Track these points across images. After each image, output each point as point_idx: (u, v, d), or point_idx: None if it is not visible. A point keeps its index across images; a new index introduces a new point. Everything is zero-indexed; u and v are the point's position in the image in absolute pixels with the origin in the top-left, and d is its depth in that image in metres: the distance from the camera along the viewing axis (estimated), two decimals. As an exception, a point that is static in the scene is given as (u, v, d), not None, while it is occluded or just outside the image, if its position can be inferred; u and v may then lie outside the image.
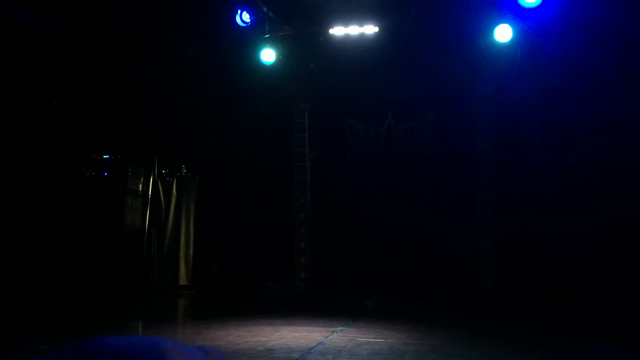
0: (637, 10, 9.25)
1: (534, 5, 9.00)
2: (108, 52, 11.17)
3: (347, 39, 10.45)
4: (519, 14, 9.40)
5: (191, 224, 12.48)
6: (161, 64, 11.38)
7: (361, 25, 10.28)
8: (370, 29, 10.29)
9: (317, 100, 11.91)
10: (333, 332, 7.11)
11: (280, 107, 11.82)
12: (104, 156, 11.87)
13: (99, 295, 10.46)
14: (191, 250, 12.38)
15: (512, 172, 10.52)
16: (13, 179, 10.06)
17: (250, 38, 10.63)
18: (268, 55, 10.74)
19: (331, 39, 10.59)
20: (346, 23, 10.32)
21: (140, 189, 12.29)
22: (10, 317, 8.03)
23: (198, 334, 6.92)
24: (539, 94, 10.44)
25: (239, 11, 10.10)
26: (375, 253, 11.15)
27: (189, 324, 9.00)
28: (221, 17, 10.34)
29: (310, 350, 5.92)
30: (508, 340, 6.82)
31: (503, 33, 9.62)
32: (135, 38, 10.86)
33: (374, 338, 6.74)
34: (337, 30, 10.40)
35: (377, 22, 10.25)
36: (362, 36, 10.37)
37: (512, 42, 9.75)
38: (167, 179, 12.60)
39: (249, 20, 10.20)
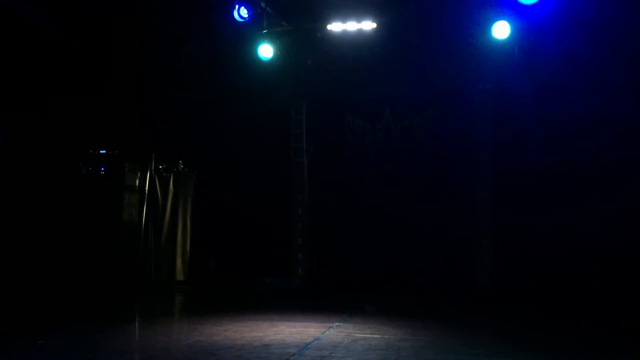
0: (634, 7, 9.24)
1: (532, 2, 8.98)
2: (106, 48, 11.14)
3: (345, 35, 10.42)
4: (516, 11, 9.39)
5: (188, 219, 12.47)
6: (159, 59, 11.34)
7: (359, 21, 10.25)
8: (368, 25, 10.26)
9: (315, 96, 11.90)
10: (330, 327, 7.11)
11: (278, 103, 11.82)
12: (101, 151, 11.84)
13: (96, 291, 10.44)
14: (188, 246, 12.37)
15: (510, 169, 10.51)
16: (9, 173, 10.05)
17: (248, 34, 10.61)
18: (266, 50, 10.72)
19: (329, 35, 10.55)
20: (344, 19, 10.28)
21: (137, 184, 12.27)
22: (6, 312, 8.02)
23: (194, 330, 6.92)
24: (537, 91, 10.42)
25: (237, 6, 10.08)
26: (372, 249, 11.15)
27: (185, 319, 9.00)
28: (219, 13, 10.32)
29: (307, 345, 5.93)
30: (504, 337, 6.83)
31: (501, 30, 9.61)
32: (133, 33, 10.83)
33: (371, 334, 6.74)
34: (335, 26, 10.36)
35: (375, 18, 10.22)
36: (360, 32, 10.34)
37: (510, 38, 9.73)
38: (164, 174, 12.58)
39: (246, 16, 10.18)
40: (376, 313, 8.67)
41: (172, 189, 12.54)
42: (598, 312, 8.67)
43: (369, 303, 9.50)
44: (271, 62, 10.85)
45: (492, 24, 9.64)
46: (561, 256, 9.79)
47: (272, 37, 10.73)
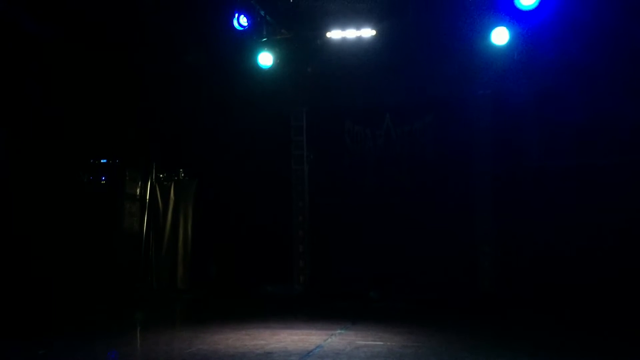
0: (632, 13, 9.27)
1: (531, 8, 9.01)
2: (106, 56, 11.16)
3: (344, 42, 10.46)
4: (515, 17, 9.42)
5: (189, 227, 12.46)
6: (159, 67, 11.36)
7: (358, 28, 10.29)
8: (367, 32, 10.29)
9: (315, 104, 11.93)
10: (332, 335, 7.11)
11: (278, 110, 11.84)
12: (102, 160, 11.85)
13: (97, 299, 10.43)
14: (189, 254, 12.35)
15: (510, 174, 10.54)
16: (9, 182, 10.04)
17: (248, 42, 10.64)
18: (265, 58, 10.75)
19: (328, 43, 10.59)
20: (343, 26, 10.32)
21: (138, 193, 12.27)
22: (8, 321, 8.01)
23: (196, 338, 6.91)
24: (536, 96, 10.46)
25: (237, 15, 10.11)
26: (373, 256, 11.15)
27: (187, 327, 8.97)
28: (219, 21, 10.34)
29: (309, 353, 5.92)
30: (506, 341, 6.83)
31: (500, 36, 9.64)
32: (133, 41, 10.85)
33: (373, 341, 6.73)
34: (335, 34, 10.40)
35: (375, 25, 10.25)
36: (359, 39, 10.38)
37: (509, 44, 9.77)
38: (165, 183, 12.58)
39: (246, 24, 10.21)
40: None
41: (173, 198, 12.54)
42: (599, 314, 8.67)
43: (370, 309, 9.50)
44: (271, 69, 10.88)
45: (491, 30, 9.68)
46: (561, 259, 9.81)
47: (271, 45, 10.77)
